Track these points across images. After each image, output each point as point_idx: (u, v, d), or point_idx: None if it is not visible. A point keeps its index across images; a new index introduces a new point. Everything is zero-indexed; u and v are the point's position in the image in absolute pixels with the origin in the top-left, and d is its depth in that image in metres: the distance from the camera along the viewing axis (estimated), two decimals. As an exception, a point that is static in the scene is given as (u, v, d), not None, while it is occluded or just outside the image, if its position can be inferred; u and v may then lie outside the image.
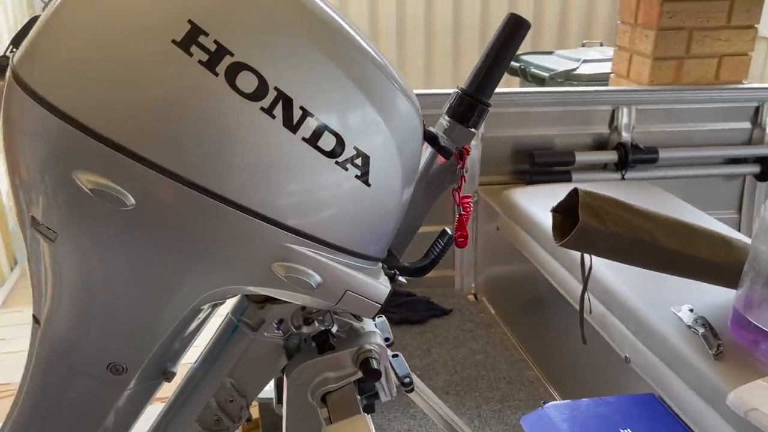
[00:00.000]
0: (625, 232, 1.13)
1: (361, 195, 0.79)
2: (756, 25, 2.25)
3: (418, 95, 0.84)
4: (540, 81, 3.66)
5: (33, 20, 0.78)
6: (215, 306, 0.97)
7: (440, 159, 1.13)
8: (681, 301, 1.21)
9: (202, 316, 0.96)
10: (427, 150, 1.16)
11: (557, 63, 3.75)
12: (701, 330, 1.13)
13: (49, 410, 0.97)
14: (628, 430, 1.06)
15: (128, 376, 0.92)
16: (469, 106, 1.09)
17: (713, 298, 1.18)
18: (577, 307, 1.32)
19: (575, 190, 1.15)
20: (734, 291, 1.12)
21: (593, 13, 5.46)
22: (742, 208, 2.24)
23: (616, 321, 1.29)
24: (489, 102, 1.12)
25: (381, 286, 0.89)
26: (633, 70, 2.35)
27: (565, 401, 1.12)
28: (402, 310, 1.85)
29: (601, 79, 3.19)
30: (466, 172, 1.13)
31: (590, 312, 1.33)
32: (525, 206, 1.72)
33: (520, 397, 1.52)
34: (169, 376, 0.99)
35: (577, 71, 3.59)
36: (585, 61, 3.64)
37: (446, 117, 1.12)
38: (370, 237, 0.86)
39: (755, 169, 2.17)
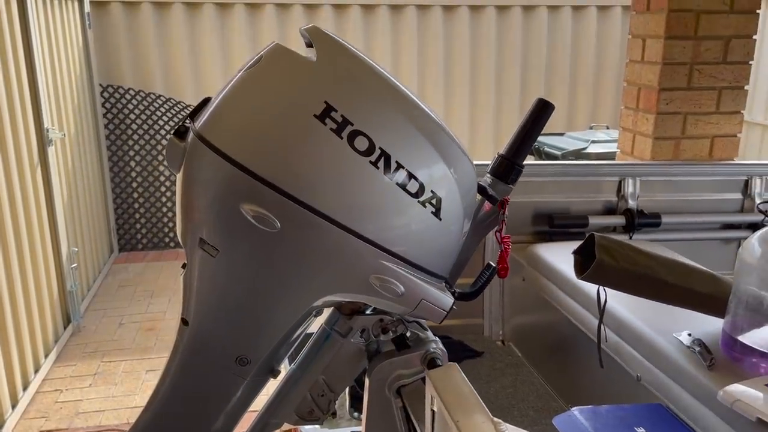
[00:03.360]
0: (633, 268, 1.41)
1: (434, 226, 1.09)
2: (741, 111, 2.60)
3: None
4: (553, 159, 4.01)
5: (206, 100, 1.11)
6: (316, 316, 1.26)
7: (486, 207, 1.44)
8: (681, 327, 1.47)
9: (306, 324, 1.25)
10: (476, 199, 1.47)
11: (568, 143, 4.12)
12: (698, 348, 1.38)
13: (187, 395, 1.23)
14: (641, 428, 1.30)
15: (249, 368, 1.19)
16: (508, 167, 1.41)
17: (707, 325, 1.44)
18: (595, 339, 1.59)
19: (592, 235, 1.44)
20: (722, 320, 1.38)
21: (599, 99, 5.93)
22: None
23: (628, 347, 1.54)
24: (523, 164, 1.44)
25: (447, 298, 1.18)
26: (636, 147, 2.69)
27: (589, 406, 1.36)
28: (440, 350, 2.09)
29: (608, 157, 3.53)
30: (506, 217, 1.43)
31: (606, 340, 1.59)
32: (547, 258, 2.00)
33: (547, 422, 1.75)
34: (275, 373, 1.27)
35: (587, 150, 3.94)
36: (593, 141, 4.00)
37: (489, 175, 1.44)
38: (438, 259, 1.15)
39: (747, 234, 2.45)
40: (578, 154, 3.81)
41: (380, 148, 1.03)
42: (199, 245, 1.08)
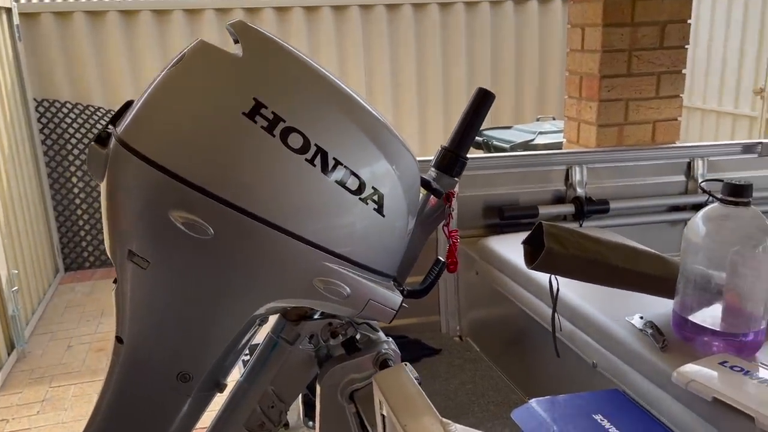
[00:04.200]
0: (583, 254, 1.40)
1: (378, 223, 1.05)
2: (681, 95, 2.64)
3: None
4: (502, 152, 4.03)
5: (128, 104, 1.05)
6: (261, 324, 1.20)
7: (431, 202, 1.41)
8: (634, 311, 1.47)
9: (250, 333, 1.19)
10: (421, 194, 1.44)
11: (516, 135, 4.15)
12: (650, 331, 1.38)
13: (127, 416, 1.16)
14: (599, 415, 1.28)
15: (193, 384, 1.13)
16: (452, 159, 1.38)
17: (659, 307, 1.44)
18: (549, 329, 1.58)
19: (540, 224, 1.43)
20: (672, 301, 1.38)
21: (545, 91, 6.01)
22: None
23: (582, 334, 1.53)
24: (467, 156, 1.42)
25: (395, 296, 1.14)
26: (582, 136, 2.71)
27: (547, 397, 1.34)
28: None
29: (556, 147, 3.56)
30: (453, 210, 1.40)
31: (560, 329, 1.58)
32: (499, 250, 1.99)
33: (507, 415, 1.73)
34: (221, 387, 1.21)
35: (534, 141, 3.98)
36: (541, 132, 4.04)
37: (434, 169, 1.41)
38: (385, 257, 1.12)
39: (692, 215, 2.47)
40: (526, 146, 3.85)
41: (316, 145, 0.99)
42: (128, 258, 1.02)
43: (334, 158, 1.01)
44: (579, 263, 1.40)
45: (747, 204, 1.27)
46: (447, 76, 5.84)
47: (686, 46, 2.58)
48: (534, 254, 1.43)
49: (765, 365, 1.24)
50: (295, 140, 0.98)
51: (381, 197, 1.07)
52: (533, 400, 1.33)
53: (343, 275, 1.05)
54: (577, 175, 2.38)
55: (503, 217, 2.28)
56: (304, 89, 1.01)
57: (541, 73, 5.94)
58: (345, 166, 1.01)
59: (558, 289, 1.50)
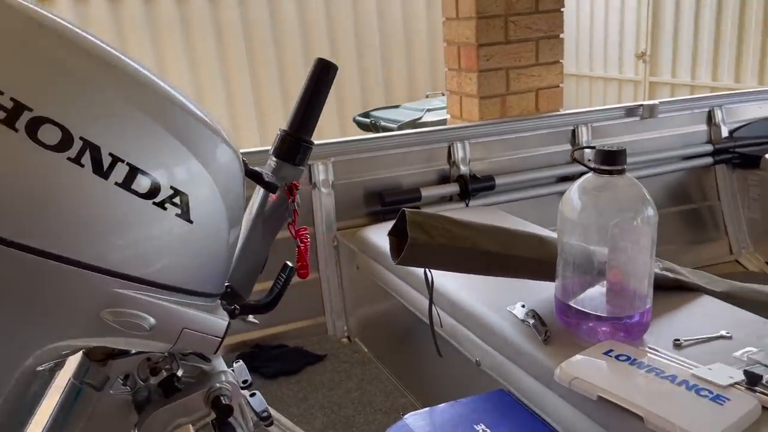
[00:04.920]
0: (451, 242, 1.24)
1: (184, 233, 0.83)
2: (560, 60, 2.55)
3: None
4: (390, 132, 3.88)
5: None
6: (55, 370, 0.95)
7: (272, 197, 1.19)
8: (514, 299, 1.32)
9: (38, 384, 0.94)
10: (261, 189, 1.22)
11: (404, 114, 4.00)
12: (532, 321, 1.24)
13: None
14: (482, 425, 1.13)
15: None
16: (293, 144, 1.17)
17: (542, 291, 1.31)
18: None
19: (403, 211, 1.25)
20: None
21: (435, 66, 5.88)
22: None
23: (464, 329, 1.38)
24: (311, 140, 1.21)
25: (219, 321, 0.92)
26: (464, 110, 2.57)
27: (423, 409, 1.18)
28: (275, 363, 1.85)
29: (444, 123, 3.44)
30: (298, 206, 1.20)
31: (441, 325, 1.42)
32: (377, 242, 1.81)
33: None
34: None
35: (422, 119, 3.84)
36: (429, 110, 3.91)
37: (273, 158, 1.19)
38: (201, 274, 0.89)
39: (580, 184, 2.41)
40: (414, 124, 3.71)
41: (82, 139, 0.74)
42: None
43: (110, 154, 0.77)
44: (449, 253, 1.24)
45: (622, 171, 1.14)
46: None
47: (562, 9, 2.48)
48: (401, 246, 1.26)
49: (652, 349, 1.12)
50: (51, 134, 0.73)
51: (185, 199, 0.84)
52: (408, 415, 1.16)
53: (140, 302, 0.82)
54: (459, 152, 2.24)
55: (384, 203, 2.10)
56: (61, 66, 0.76)
57: (430, 48, 5.80)
58: (128, 164, 0.78)
59: (432, 281, 1.33)
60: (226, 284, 1.04)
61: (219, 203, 0.88)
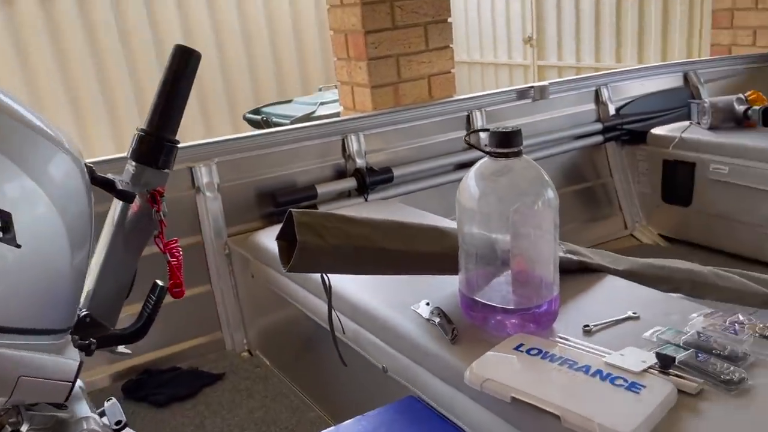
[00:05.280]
0: (346, 242, 1.13)
1: (11, 259, 0.67)
2: (450, 45, 2.50)
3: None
4: (285, 129, 3.73)
5: None
6: None
7: (134, 207, 1.04)
8: (418, 297, 1.24)
9: None
10: (119, 201, 1.06)
11: (297, 109, 3.86)
12: (437, 320, 1.16)
13: None
14: (392, 438, 1.04)
15: None
16: (154, 145, 1.03)
17: (447, 287, 1.23)
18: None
19: (290, 212, 1.13)
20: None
21: (328, 57, 5.73)
22: None
23: (368, 334, 1.28)
24: (176, 139, 1.06)
25: (68, 362, 0.77)
26: (357, 100, 2.47)
27: (327, 429, 1.07)
28: (167, 389, 1.68)
29: (338, 116, 3.33)
30: (165, 215, 1.05)
31: (343, 332, 1.32)
32: (271, 246, 1.67)
33: (304, 441, 1.44)
34: None
35: (316, 113, 3.71)
36: (322, 103, 3.79)
37: (132, 162, 1.04)
38: (40, 307, 0.73)
39: (478, 170, 2.38)
40: (308, 119, 3.57)
41: None
42: None
43: None
44: (344, 254, 1.13)
45: (518, 153, 1.07)
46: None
47: (448, -7, 2.43)
48: (292, 251, 1.14)
49: (563, 339, 1.07)
50: None
51: (7, 219, 0.68)
52: (311, 438, 1.05)
53: (-42, 351, 0.66)
54: (354, 145, 2.13)
55: (277, 203, 1.97)
56: None
57: (321, 39, 5.65)
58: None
59: (330, 286, 1.21)
60: (84, 313, 0.89)
61: (56, 222, 0.73)
